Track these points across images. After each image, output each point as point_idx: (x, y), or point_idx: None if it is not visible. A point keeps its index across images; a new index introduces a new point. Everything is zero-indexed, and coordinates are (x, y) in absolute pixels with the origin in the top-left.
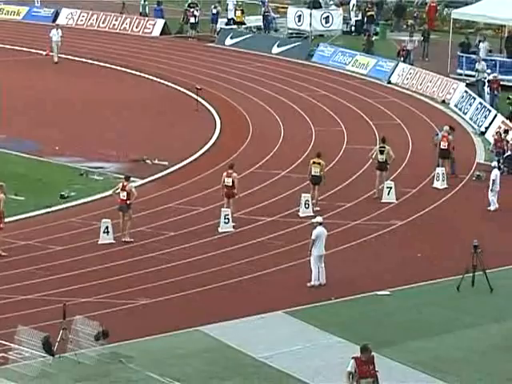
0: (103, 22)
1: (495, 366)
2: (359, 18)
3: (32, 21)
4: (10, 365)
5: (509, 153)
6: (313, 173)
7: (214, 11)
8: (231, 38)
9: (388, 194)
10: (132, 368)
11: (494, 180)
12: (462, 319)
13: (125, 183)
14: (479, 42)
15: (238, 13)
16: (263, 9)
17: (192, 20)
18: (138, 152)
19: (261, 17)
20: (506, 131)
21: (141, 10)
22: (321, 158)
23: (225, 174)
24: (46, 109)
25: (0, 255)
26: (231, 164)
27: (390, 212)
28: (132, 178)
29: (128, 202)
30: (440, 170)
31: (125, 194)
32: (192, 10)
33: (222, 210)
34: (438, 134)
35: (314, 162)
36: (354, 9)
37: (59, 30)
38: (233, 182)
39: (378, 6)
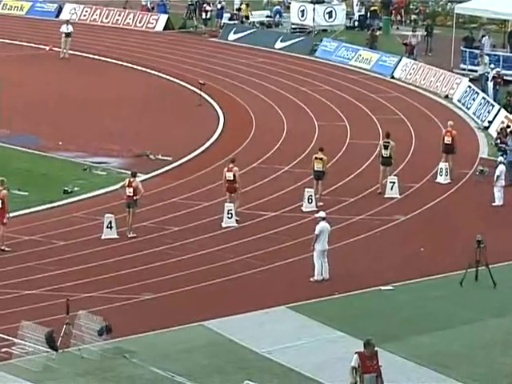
0: (106, 17)
1: (497, 361)
2: (362, 12)
3: (35, 16)
4: (14, 360)
5: None
6: (315, 168)
7: (219, 6)
8: (234, 33)
9: (391, 188)
10: (135, 363)
11: (498, 176)
12: (465, 314)
13: (131, 179)
14: (482, 36)
15: (244, 6)
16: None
17: (204, 15)
18: (141, 147)
19: (265, 12)
20: (509, 126)
21: (143, 3)
22: (323, 152)
23: (226, 168)
24: (49, 103)
25: (3, 250)
26: (233, 158)
27: (393, 207)
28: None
29: (135, 198)
30: (443, 165)
31: (131, 190)
32: (204, 5)
33: (226, 204)
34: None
35: (316, 158)
36: (358, 4)
37: (69, 26)
38: (234, 176)
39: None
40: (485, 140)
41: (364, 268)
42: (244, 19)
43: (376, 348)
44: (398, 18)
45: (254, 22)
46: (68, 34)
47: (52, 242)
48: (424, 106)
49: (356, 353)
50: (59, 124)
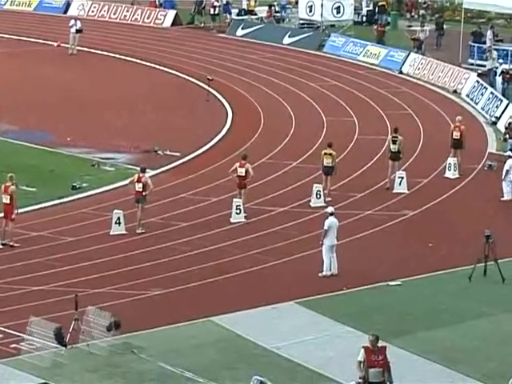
0: (114, 13)
1: (506, 356)
2: (370, 7)
3: (43, 12)
4: (22, 356)
5: None
6: (325, 163)
7: (225, 1)
8: (242, 28)
9: (399, 184)
10: (144, 358)
11: (508, 170)
12: (474, 309)
13: (140, 175)
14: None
15: (252, 2)
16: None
17: (212, 11)
18: (149, 143)
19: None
20: None
21: None
22: (332, 148)
23: (237, 164)
24: (57, 99)
25: (12, 246)
26: (244, 155)
27: (401, 202)
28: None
29: (144, 193)
30: (452, 160)
31: (140, 185)
32: (212, 0)
33: (234, 200)
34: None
35: (325, 153)
36: None
37: (78, 22)
38: (246, 172)
39: None
40: (493, 135)
41: (372, 263)
42: (249, 14)
43: (385, 344)
44: (408, 14)
45: (261, 17)
46: (79, 31)
47: (60, 238)
48: (432, 101)
49: (362, 347)
50: (67, 120)
